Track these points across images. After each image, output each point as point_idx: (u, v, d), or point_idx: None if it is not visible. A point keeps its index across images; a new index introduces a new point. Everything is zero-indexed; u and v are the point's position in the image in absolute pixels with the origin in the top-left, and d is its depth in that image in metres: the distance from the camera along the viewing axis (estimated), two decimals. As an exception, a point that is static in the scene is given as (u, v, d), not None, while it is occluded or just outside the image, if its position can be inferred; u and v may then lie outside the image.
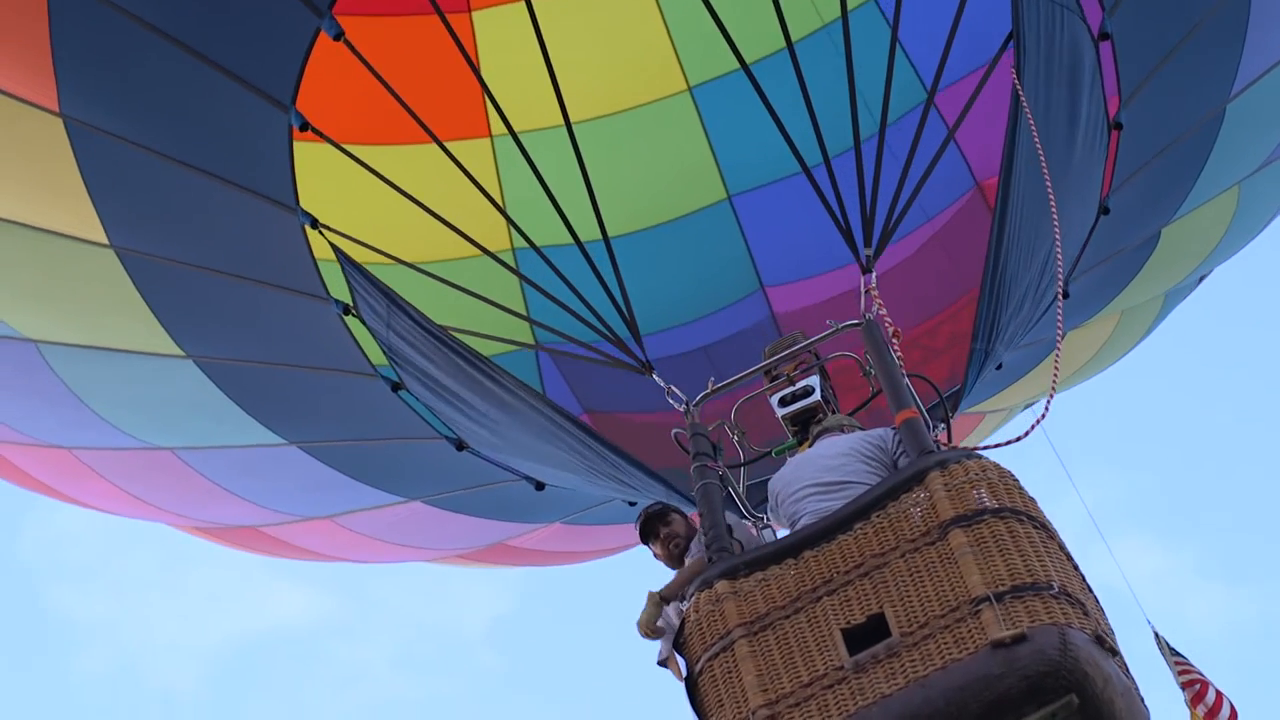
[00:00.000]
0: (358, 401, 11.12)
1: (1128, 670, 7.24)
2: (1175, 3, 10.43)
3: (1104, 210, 10.82)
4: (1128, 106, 10.50)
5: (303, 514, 12.65)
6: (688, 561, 8.73)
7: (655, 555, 8.96)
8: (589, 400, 12.25)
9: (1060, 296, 9.52)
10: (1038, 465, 10.88)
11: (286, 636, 32.16)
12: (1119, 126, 10.51)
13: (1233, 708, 9.85)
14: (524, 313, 11.51)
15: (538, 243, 10.46)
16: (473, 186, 10.39)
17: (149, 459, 11.96)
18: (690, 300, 11.91)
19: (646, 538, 8.97)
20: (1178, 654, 9.88)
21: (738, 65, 9.79)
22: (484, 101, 11.36)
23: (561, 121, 10.15)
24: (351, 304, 10.41)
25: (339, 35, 9.55)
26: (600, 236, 10.24)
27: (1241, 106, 11.34)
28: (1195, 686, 9.79)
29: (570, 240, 10.08)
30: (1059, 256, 9.54)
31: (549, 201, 10.00)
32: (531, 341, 11.78)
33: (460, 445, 11.33)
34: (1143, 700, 7.28)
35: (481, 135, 11.66)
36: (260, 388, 11.09)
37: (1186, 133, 11.16)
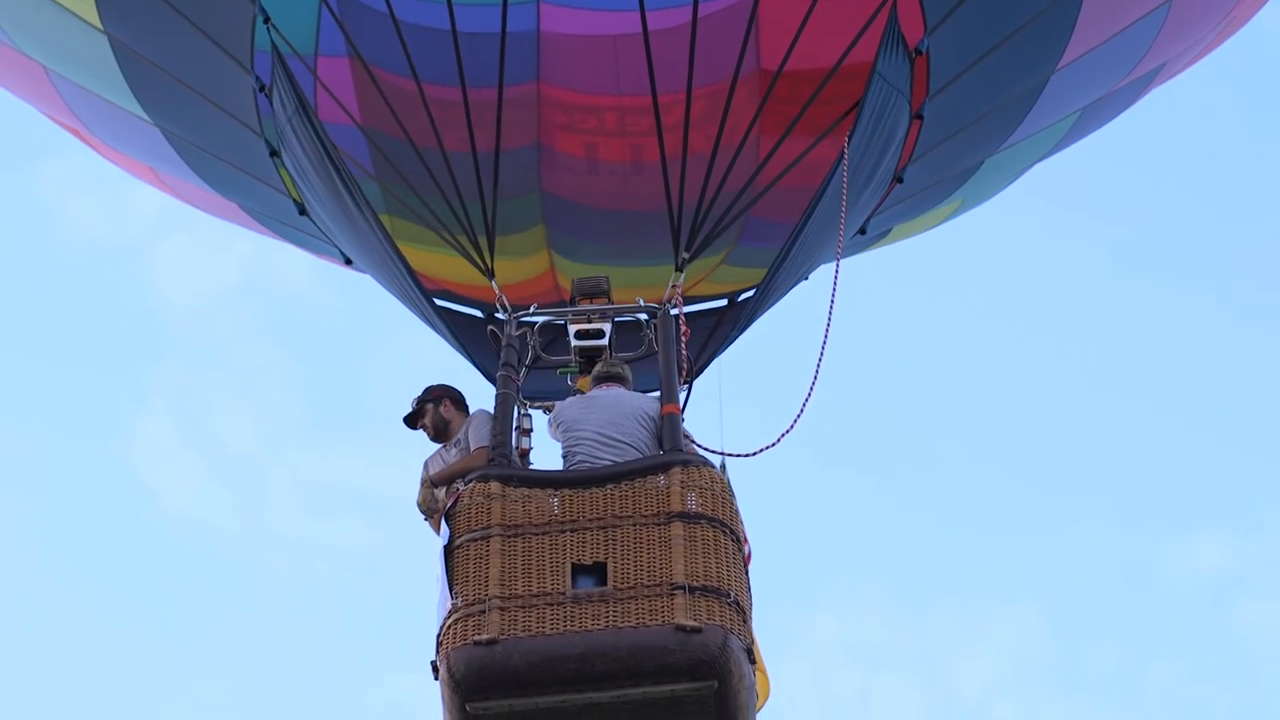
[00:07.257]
0: (237, 140, 12.29)
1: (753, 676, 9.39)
2: (979, 93, 12.26)
3: (862, 231, 12.92)
4: (914, 163, 12.42)
5: (132, 155, 13.83)
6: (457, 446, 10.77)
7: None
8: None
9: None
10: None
11: None
12: (900, 180, 12.45)
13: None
14: None
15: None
16: None
17: (18, 63, 12.98)
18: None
19: (411, 424, 10.97)
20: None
21: None
22: None
23: None
24: (267, 86, 11.71)
25: None
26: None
27: (999, 158, 13.28)
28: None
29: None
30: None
31: None
32: None
33: (303, 210, 12.52)
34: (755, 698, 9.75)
35: None
36: (154, 82, 12.21)
37: (944, 179, 13.20)
